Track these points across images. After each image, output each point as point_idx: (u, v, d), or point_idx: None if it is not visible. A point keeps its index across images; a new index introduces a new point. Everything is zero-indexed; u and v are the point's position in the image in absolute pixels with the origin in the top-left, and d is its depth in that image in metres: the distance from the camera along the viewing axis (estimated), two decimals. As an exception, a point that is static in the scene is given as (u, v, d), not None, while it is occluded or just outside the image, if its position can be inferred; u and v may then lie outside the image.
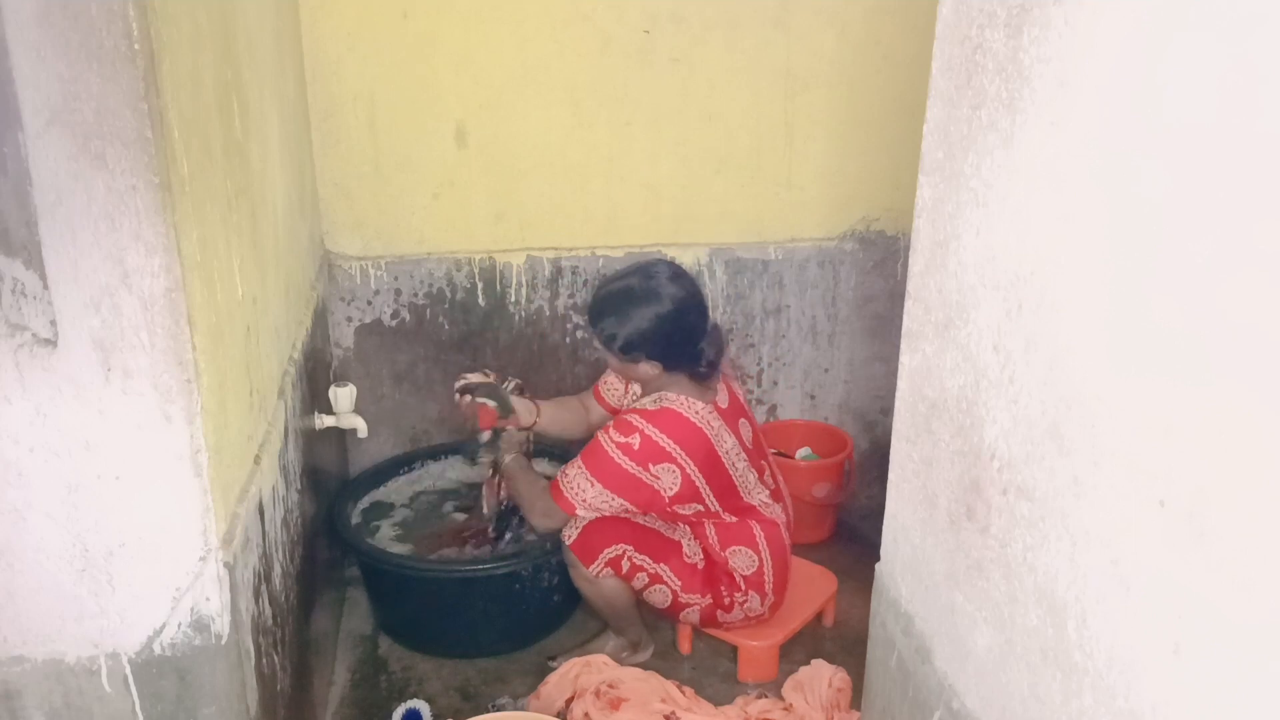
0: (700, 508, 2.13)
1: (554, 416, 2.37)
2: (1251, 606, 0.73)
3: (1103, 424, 0.88)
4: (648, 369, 2.08)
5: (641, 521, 2.18)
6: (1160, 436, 0.81)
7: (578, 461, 2.09)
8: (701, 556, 2.19)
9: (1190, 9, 0.75)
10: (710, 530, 2.17)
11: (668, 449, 2.03)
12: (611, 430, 2.07)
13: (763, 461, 2.22)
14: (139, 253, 1.13)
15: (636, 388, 2.27)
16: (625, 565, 2.13)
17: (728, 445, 2.10)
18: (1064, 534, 0.95)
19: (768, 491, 2.20)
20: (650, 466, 2.04)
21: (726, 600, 2.18)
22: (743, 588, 2.18)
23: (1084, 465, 0.91)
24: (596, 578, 2.14)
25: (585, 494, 2.07)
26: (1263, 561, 0.71)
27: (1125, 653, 0.88)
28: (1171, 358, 0.79)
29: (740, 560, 2.17)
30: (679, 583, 2.16)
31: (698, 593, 2.17)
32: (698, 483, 2.08)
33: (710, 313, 2.18)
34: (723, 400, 2.12)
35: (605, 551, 2.12)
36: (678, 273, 2.12)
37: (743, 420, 2.17)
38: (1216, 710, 0.77)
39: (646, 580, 2.16)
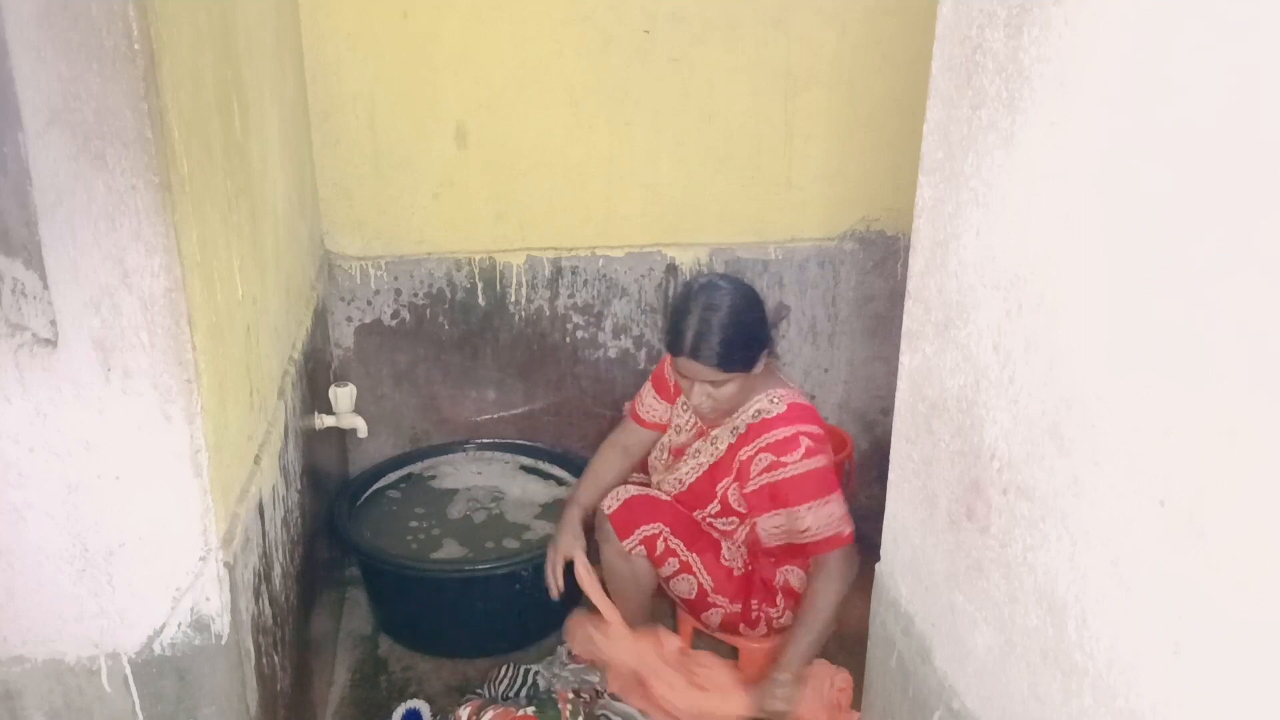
0: None
1: (594, 500, 2.26)
2: (1251, 606, 0.73)
3: (1103, 424, 0.88)
4: (760, 367, 2.03)
5: (683, 510, 2.17)
6: (1160, 436, 0.81)
7: (799, 510, 1.99)
8: (742, 564, 2.16)
9: (1190, 9, 0.75)
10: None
11: (820, 435, 2.04)
12: (783, 459, 1.99)
13: None
14: (139, 253, 1.13)
15: (704, 403, 2.07)
16: (660, 546, 2.10)
17: None
18: (1064, 534, 0.95)
19: None
20: (825, 448, 2.03)
21: (754, 615, 2.17)
22: (780, 605, 2.17)
23: (1084, 465, 0.91)
24: (629, 554, 2.11)
25: (835, 514, 1.99)
26: (1262, 561, 0.71)
27: (1125, 653, 0.88)
28: (1172, 358, 0.79)
29: (793, 579, 2.17)
30: (710, 581, 2.13)
31: (728, 596, 2.14)
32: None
33: None
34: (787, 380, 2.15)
35: (643, 528, 2.09)
36: (714, 277, 2.08)
37: None
38: (1216, 710, 0.77)
39: (676, 567, 2.13)
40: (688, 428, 2.21)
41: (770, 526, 2.09)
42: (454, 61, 2.45)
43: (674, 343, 2.00)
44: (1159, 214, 0.80)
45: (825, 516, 1.99)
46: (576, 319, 2.72)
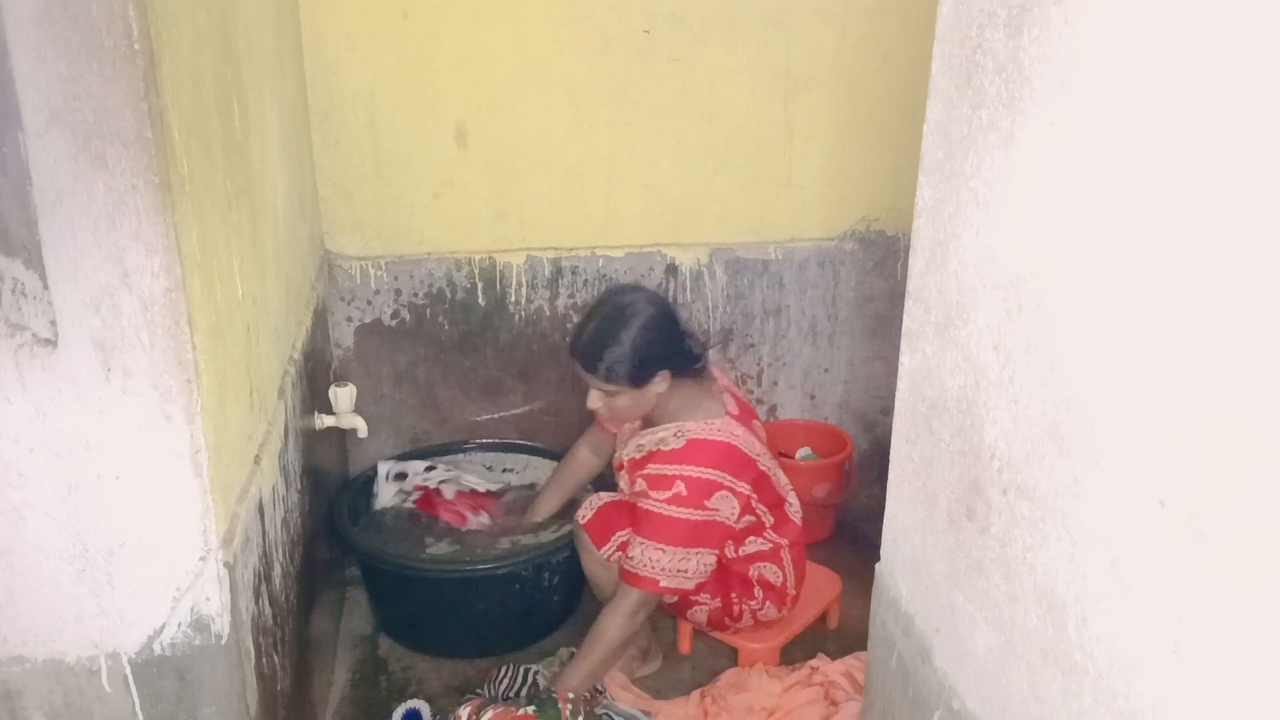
0: (752, 518, 2.11)
1: (554, 501, 2.43)
2: (1251, 606, 0.73)
3: (1103, 424, 0.88)
4: (659, 385, 2.02)
5: None
6: (1160, 436, 0.81)
7: (636, 538, 2.01)
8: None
9: (1191, 9, 0.75)
10: (740, 546, 2.15)
11: (714, 479, 1.99)
12: (651, 493, 2.00)
13: (777, 458, 2.22)
14: (139, 253, 1.13)
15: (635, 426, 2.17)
16: None
17: (758, 449, 2.09)
18: (1064, 534, 0.95)
19: (798, 495, 2.22)
20: (705, 504, 1.99)
21: (737, 609, 2.18)
22: (758, 597, 2.18)
23: (1084, 465, 0.91)
24: (608, 561, 2.12)
25: (660, 563, 1.99)
26: (1263, 561, 0.71)
27: (1125, 653, 0.88)
28: (1172, 357, 0.79)
29: (768, 574, 2.17)
30: None
31: (708, 592, 2.16)
32: (752, 500, 2.07)
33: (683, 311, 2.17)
34: (731, 407, 2.11)
35: (619, 534, 2.10)
36: (632, 286, 2.12)
37: (755, 421, 2.17)
38: (1216, 710, 0.77)
39: None
40: (625, 438, 2.23)
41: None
42: (454, 61, 2.45)
43: (570, 343, 2.07)
44: (1159, 214, 0.80)
45: (650, 559, 1.99)
46: (576, 319, 2.72)
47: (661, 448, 2.04)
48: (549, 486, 2.49)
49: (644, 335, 1.99)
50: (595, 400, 2.05)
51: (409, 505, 2.49)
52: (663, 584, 2.00)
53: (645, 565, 2.00)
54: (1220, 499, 0.75)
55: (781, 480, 2.18)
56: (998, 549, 1.08)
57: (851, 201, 2.75)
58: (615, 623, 2.02)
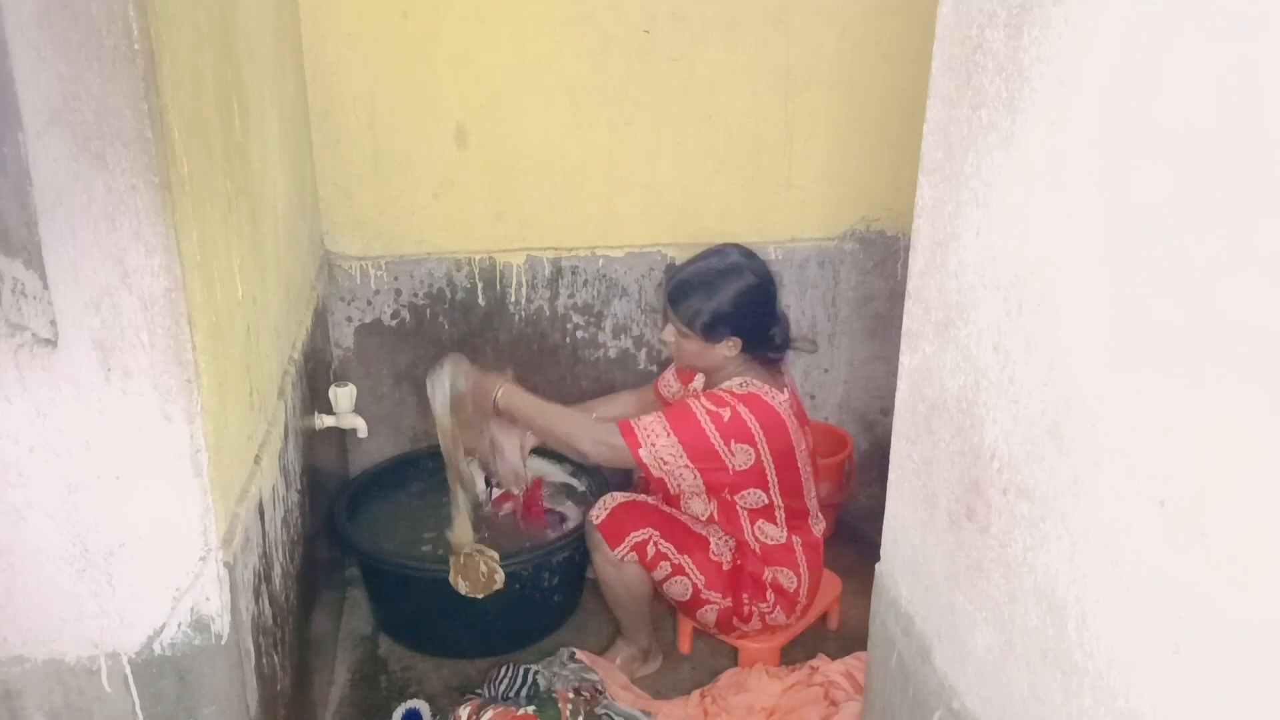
0: (764, 497, 2.11)
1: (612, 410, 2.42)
2: (1251, 606, 0.73)
3: (1103, 424, 0.88)
4: (726, 350, 2.06)
5: (670, 512, 2.18)
6: (1160, 436, 0.81)
7: (658, 414, 2.04)
8: (730, 558, 2.18)
9: (1191, 9, 0.75)
10: (755, 544, 2.16)
11: (753, 431, 2.02)
12: (703, 398, 2.04)
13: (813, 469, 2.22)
14: (139, 253, 1.13)
15: (698, 381, 2.24)
16: (650, 551, 2.12)
17: (801, 444, 2.11)
18: (1064, 534, 0.95)
19: (817, 502, 2.22)
20: (731, 443, 2.02)
21: (746, 610, 2.18)
22: (770, 600, 2.18)
23: (1084, 465, 0.91)
24: (621, 561, 2.12)
25: (657, 440, 1.99)
26: (1263, 561, 0.71)
27: (1125, 653, 0.88)
28: (1172, 357, 0.79)
29: (782, 578, 2.17)
30: (702, 579, 2.15)
31: (719, 592, 2.16)
32: (768, 471, 2.07)
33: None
34: (792, 403, 2.12)
35: (632, 535, 2.11)
36: (751, 253, 2.12)
37: (806, 426, 2.18)
38: (1216, 710, 0.77)
39: (669, 570, 2.14)
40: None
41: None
42: (454, 61, 2.45)
43: (667, 278, 2.12)
44: (1159, 214, 0.80)
45: (653, 433, 2.00)
46: (576, 319, 2.72)
47: (721, 388, 2.08)
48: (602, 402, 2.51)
49: (733, 297, 2.03)
50: (670, 334, 2.11)
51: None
52: (642, 454, 1.99)
53: (645, 431, 2.00)
54: (1220, 499, 0.75)
55: (809, 489, 2.18)
56: (998, 549, 1.08)
57: (851, 201, 2.75)
58: (575, 422, 2.08)
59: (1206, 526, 0.76)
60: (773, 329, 2.10)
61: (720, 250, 2.11)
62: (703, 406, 2.02)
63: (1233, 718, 0.76)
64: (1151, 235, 0.81)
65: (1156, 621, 0.83)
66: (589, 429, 2.06)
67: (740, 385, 2.06)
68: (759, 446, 2.03)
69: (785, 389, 2.13)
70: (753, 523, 2.15)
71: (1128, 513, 0.86)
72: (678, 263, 2.69)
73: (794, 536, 2.17)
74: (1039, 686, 1.02)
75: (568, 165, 2.59)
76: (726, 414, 2.00)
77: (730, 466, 2.03)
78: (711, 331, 2.04)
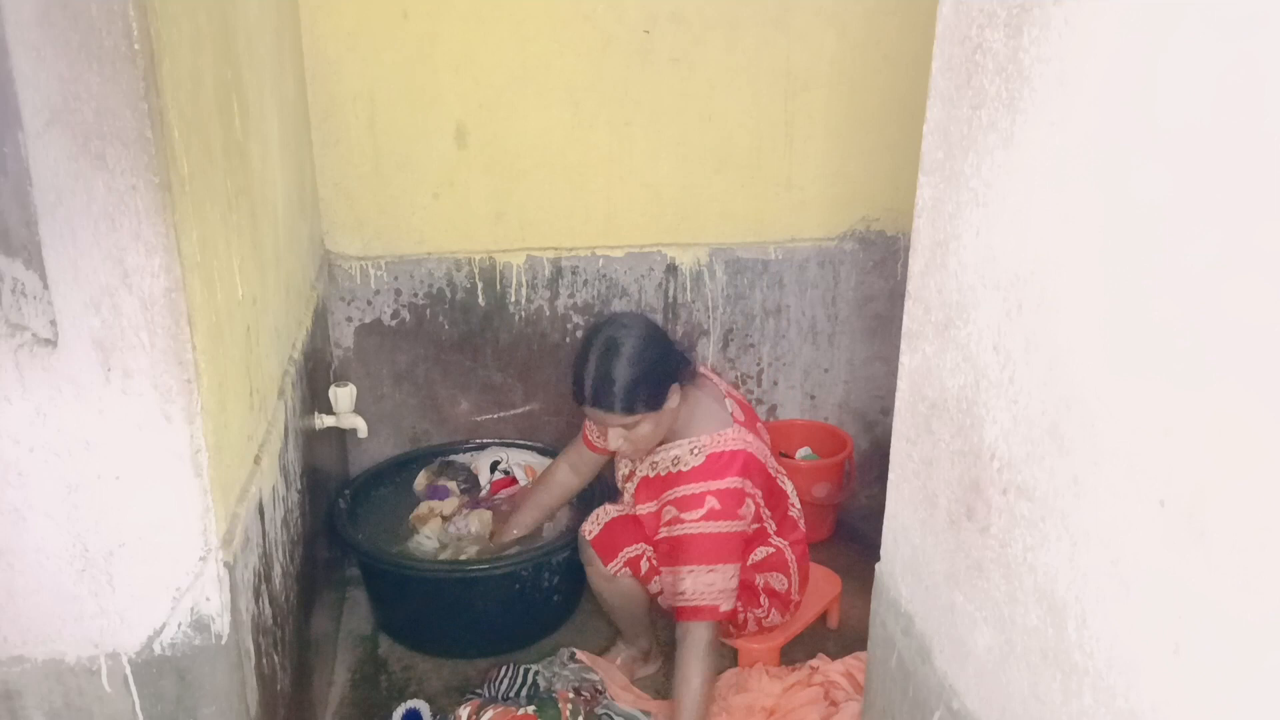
0: (758, 526, 2.10)
1: (530, 520, 2.37)
2: (1251, 606, 0.73)
3: (1102, 424, 0.88)
4: (674, 400, 1.97)
5: None
6: (1160, 436, 0.81)
7: (680, 571, 1.94)
8: None
9: (1190, 9, 0.75)
10: (749, 554, 2.14)
11: (739, 488, 1.96)
12: (684, 516, 1.95)
13: (776, 458, 2.22)
14: (139, 253, 1.13)
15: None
16: (644, 566, 2.11)
17: (767, 454, 2.08)
18: (1064, 534, 0.95)
19: (795, 493, 2.22)
20: (738, 513, 1.96)
21: (742, 618, 2.18)
22: (764, 605, 2.18)
23: (1084, 465, 0.91)
24: (614, 576, 2.12)
25: (715, 585, 1.92)
26: (1263, 561, 0.71)
27: (1125, 653, 0.88)
28: (1171, 357, 0.79)
29: (774, 582, 2.18)
30: None
31: None
32: (761, 507, 2.06)
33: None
34: (738, 413, 2.09)
35: (626, 550, 2.10)
36: (606, 318, 2.08)
37: (759, 424, 2.16)
38: (1216, 710, 0.77)
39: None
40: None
41: (663, 583, 2.08)
42: (454, 61, 2.45)
43: (577, 392, 1.96)
44: (1159, 213, 0.80)
45: (705, 584, 1.92)
46: (577, 319, 2.72)
47: (681, 468, 2.00)
48: (526, 503, 2.40)
49: (645, 355, 1.94)
50: (617, 439, 1.97)
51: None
52: (723, 608, 1.92)
53: (701, 593, 1.92)
54: (1220, 499, 0.75)
55: (786, 484, 2.18)
56: (998, 549, 1.08)
57: (851, 201, 2.75)
58: (696, 667, 1.92)
59: (1206, 526, 0.76)
60: (679, 350, 2.04)
61: (589, 342, 1.98)
62: (693, 523, 1.94)
63: (1233, 718, 0.76)
64: (1151, 235, 0.81)
65: (1156, 621, 0.83)
66: (704, 662, 1.92)
67: (693, 454, 1.98)
68: (749, 492, 2.00)
69: (726, 398, 2.10)
70: (751, 546, 2.15)
71: (1128, 513, 0.86)
72: (678, 263, 2.70)
73: (781, 540, 2.17)
74: (1039, 686, 1.02)
75: (568, 165, 2.59)
76: (715, 502, 1.94)
77: (746, 528, 2.01)
78: (655, 397, 1.94)
